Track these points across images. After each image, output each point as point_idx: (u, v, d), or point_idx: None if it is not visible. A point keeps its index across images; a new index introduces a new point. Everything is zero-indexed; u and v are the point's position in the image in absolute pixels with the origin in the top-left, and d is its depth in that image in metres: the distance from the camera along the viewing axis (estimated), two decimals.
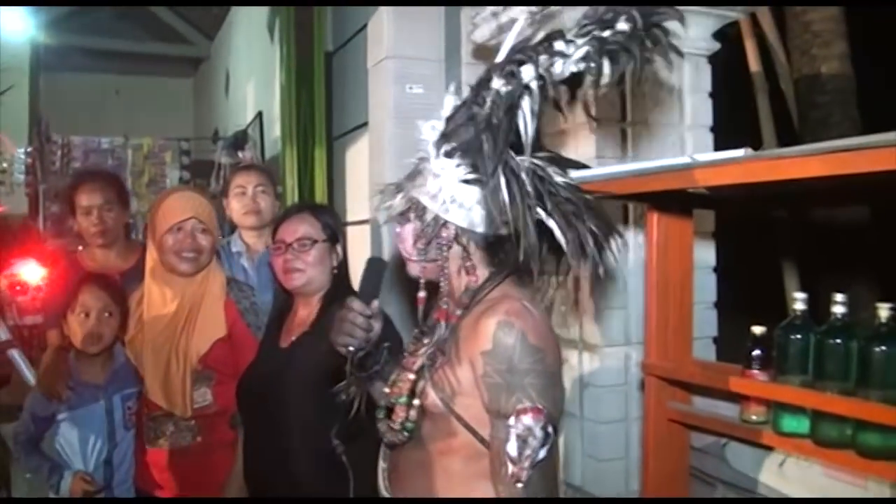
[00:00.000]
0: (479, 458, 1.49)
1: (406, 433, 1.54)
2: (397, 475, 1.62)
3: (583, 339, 2.54)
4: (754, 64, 3.83)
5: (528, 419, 1.38)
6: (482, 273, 1.55)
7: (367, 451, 1.76)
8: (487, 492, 1.47)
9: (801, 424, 1.79)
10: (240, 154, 6.83)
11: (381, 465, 1.66)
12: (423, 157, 1.54)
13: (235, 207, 3.22)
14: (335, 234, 2.35)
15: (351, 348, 1.57)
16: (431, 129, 1.53)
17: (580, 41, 1.43)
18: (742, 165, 1.60)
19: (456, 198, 1.49)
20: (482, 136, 1.41)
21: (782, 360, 1.81)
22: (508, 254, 1.52)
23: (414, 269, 1.59)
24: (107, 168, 6.93)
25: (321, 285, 2.31)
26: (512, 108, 1.41)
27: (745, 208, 2.57)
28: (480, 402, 1.46)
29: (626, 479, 2.53)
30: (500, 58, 1.49)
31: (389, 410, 1.59)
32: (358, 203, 4.34)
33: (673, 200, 2.07)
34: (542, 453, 1.39)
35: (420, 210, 1.53)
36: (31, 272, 2.79)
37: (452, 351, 1.50)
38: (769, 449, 1.99)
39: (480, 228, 1.51)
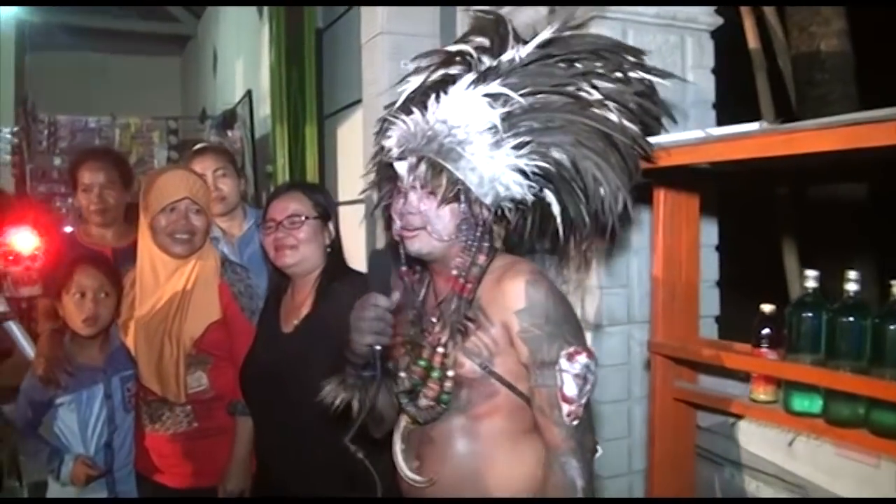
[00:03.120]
0: (520, 412, 1.59)
1: (443, 405, 1.60)
2: (432, 448, 1.64)
3: (585, 319, 2.50)
4: (753, 41, 3.76)
5: (583, 358, 1.50)
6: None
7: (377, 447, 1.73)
8: (533, 446, 1.58)
9: (814, 403, 1.78)
10: (229, 133, 6.76)
11: (399, 446, 1.68)
12: (461, 137, 1.54)
13: None
14: (327, 211, 2.30)
15: (378, 347, 1.56)
16: (488, 116, 1.54)
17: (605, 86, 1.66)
18: (758, 139, 1.57)
19: (497, 184, 1.54)
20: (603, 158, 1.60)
21: (793, 338, 1.79)
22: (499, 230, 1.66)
23: (426, 246, 1.60)
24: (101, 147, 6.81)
25: (315, 264, 2.27)
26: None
27: (746, 184, 2.54)
28: (514, 359, 1.56)
29: (629, 458, 2.50)
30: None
31: (411, 392, 1.63)
32: (350, 182, 4.26)
33: (679, 176, 2.03)
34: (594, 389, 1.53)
35: (466, 192, 1.56)
36: (24, 241, 2.71)
37: (480, 317, 1.57)
38: (778, 428, 1.96)
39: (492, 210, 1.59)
